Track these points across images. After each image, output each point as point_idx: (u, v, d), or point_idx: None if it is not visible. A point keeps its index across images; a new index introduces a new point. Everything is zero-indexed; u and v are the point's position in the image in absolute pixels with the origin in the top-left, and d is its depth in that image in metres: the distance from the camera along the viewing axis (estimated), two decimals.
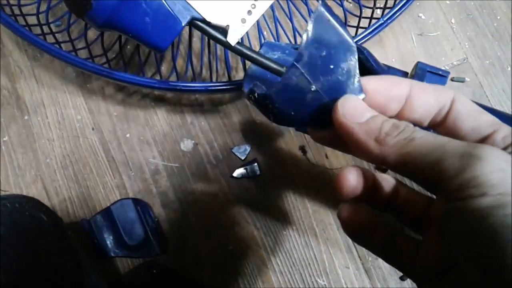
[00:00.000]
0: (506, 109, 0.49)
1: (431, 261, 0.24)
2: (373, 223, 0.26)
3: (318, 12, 0.27)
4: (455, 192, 0.20)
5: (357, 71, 0.27)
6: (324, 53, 0.27)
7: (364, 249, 0.46)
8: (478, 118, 0.25)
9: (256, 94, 0.28)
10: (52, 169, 0.48)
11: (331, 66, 0.27)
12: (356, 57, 0.28)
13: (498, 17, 0.51)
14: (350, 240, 0.46)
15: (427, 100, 0.26)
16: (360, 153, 0.25)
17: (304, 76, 0.27)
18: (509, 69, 0.50)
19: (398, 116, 0.27)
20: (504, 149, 0.22)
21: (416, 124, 0.27)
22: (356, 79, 0.27)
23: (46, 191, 0.48)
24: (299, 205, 0.47)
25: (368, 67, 0.31)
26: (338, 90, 0.27)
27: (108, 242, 0.46)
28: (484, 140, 0.24)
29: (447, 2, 0.51)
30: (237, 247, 0.47)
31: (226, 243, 0.47)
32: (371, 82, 0.27)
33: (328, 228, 0.47)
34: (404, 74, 0.37)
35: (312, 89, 0.27)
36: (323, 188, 0.47)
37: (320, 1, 0.28)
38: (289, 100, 0.28)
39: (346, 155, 0.48)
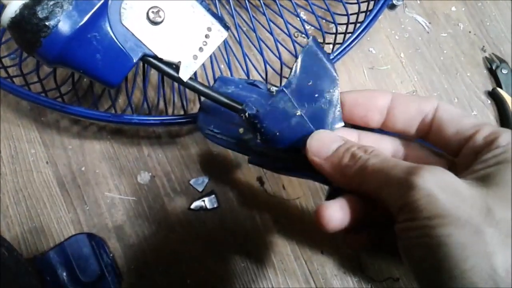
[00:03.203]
0: None
1: None
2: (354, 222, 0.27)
3: (309, 45, 0.30)
4: (396, 215, 0.23)
5: (339, 101, 0.30)
6: (310, 83, 0.30)
7: (321, 279, 0.46)
8: (460, 121, 0.26)
9: (247, 114, 0.31)
10: (4, 204, 0.47)
11: (316, 95, 0.30)
12: (339, 89, 0.30)
13: (445, 52, 0.54)
14: (307, 271, 0.47)
15: (408, 110, 0.28)
16: (334, 183, 0.28)
17: (291, 101, 0.30)
18: (456, 101, 0.52)
19: (383, 127, 0.29)
20: (486, 147, 0.24)
21: (403, 134, 0.29)
22: (338, 109, 0.30)
23: None
24: (256, 237, 0.47)
25: None
26: (320, 117, 0.30)
27: (62, 279, 0.45)
28: (467, 140, 0.25)
29: (396, 37, 0.54)
30: (195, 280, 0.46)
31: (184, 277, 0.46)
32: (351, 95, 0.30)
33: (286, 259, 0.47)
34: None
35: (297, 114, 0.30)
36: (280, 218, 0.48)
37: (311, 37, 0.31)
38: (275, 121, 0.30)
39: (303, 186, 0.49)
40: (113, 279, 0.45)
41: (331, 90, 0.30)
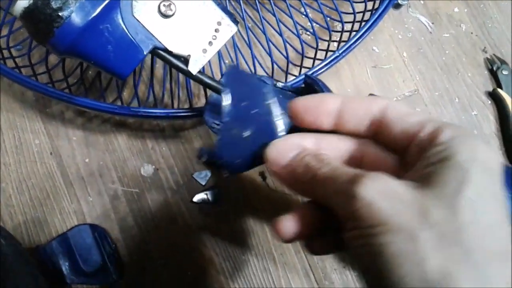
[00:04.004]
0: None
1: None
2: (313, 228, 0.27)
3: (228, 70, 0.32)
4: (344, 223, 0.23)
5: (277, 104, 0.31)
6: (245, 102, 0.31)
7: (321, 273, 0.47)
8: (406, 120, 0.25)
9: (205, 160, 0.31)
10: (7, 194, 0.47)
11: (255, 110, 0.31)
12: (272, 92, 0.31)
13: (447, 52, 0.55)
14: (307, 265, 0.47)
15: (357, 112, 0.28)
16: (291, 191, 0.28)
17: (235, 128, 0.31)
18: (457, 100, 0.53)
19: (336, 129, 0.29)
20: (429, 144, 0.23)
21: (355, 135, 0.29)
22: (280, 111, 0.31)
23: (0, 216, 0.47)
24: (258, 230, 0.48)
25: None
26: (268, 128, 0.31)
27: (64, 269, 0.45)
28: (413, 138, 0.25)
29: (399, 36, 0.54)
30: (196, 272, 0.47)
31: (185, 269, 0.47)
32: (301, 102, 0.29)
33: (286, 253, 0.48)
34: None
35: (246, 135, 0.31)
36: (282, 213, 0.48)
37: (226, 62, 0.32)
38: (231, 152, 0.31)
39: None
40: (115, 269, 0.45)
41: (265, 98, 0.31)
